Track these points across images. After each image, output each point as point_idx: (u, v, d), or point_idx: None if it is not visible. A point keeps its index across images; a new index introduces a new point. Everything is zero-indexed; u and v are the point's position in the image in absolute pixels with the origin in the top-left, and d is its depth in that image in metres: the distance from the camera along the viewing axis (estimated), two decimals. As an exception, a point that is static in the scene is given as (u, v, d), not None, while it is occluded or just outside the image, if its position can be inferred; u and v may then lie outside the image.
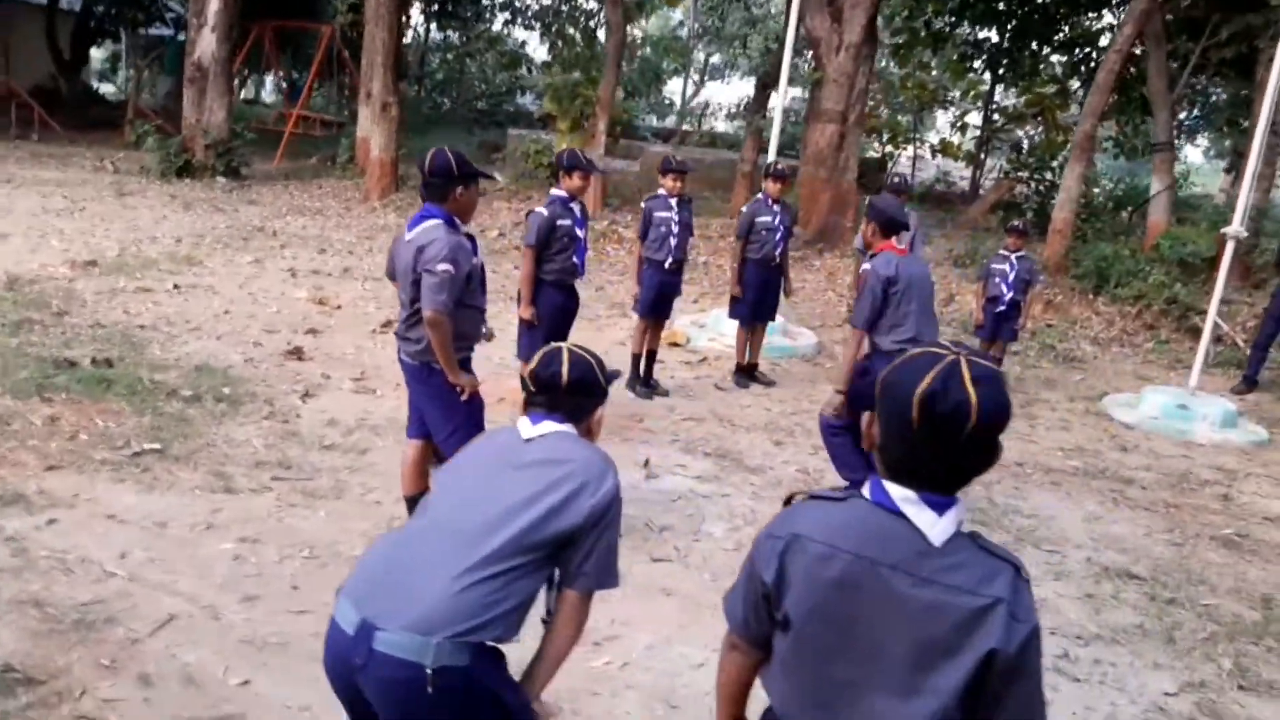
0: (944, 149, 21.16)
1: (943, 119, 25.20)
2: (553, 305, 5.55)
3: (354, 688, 1.92)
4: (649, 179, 16.47)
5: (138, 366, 6.01)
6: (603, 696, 3.24)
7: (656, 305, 6.65)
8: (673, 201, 6.51)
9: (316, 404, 5.80)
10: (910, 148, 22.57)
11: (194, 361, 6.26)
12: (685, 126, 26.74)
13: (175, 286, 8.27)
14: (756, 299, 7.04)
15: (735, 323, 7.28)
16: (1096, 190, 16.17)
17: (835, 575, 1.52)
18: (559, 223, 5.42)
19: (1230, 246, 7.36)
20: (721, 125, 30.55)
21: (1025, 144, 19.95)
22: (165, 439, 4.94)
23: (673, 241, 6.51)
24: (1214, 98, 21.86)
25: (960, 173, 23.64)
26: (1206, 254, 11.23)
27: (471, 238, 3.92)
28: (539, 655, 2.09)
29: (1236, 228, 7.42)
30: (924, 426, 1.46)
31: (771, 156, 8.26)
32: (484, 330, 4.62)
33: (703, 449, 5.76)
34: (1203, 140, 25.68)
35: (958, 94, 21.70)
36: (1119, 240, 12.69)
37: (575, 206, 5.54)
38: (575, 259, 5.56)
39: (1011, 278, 7.48)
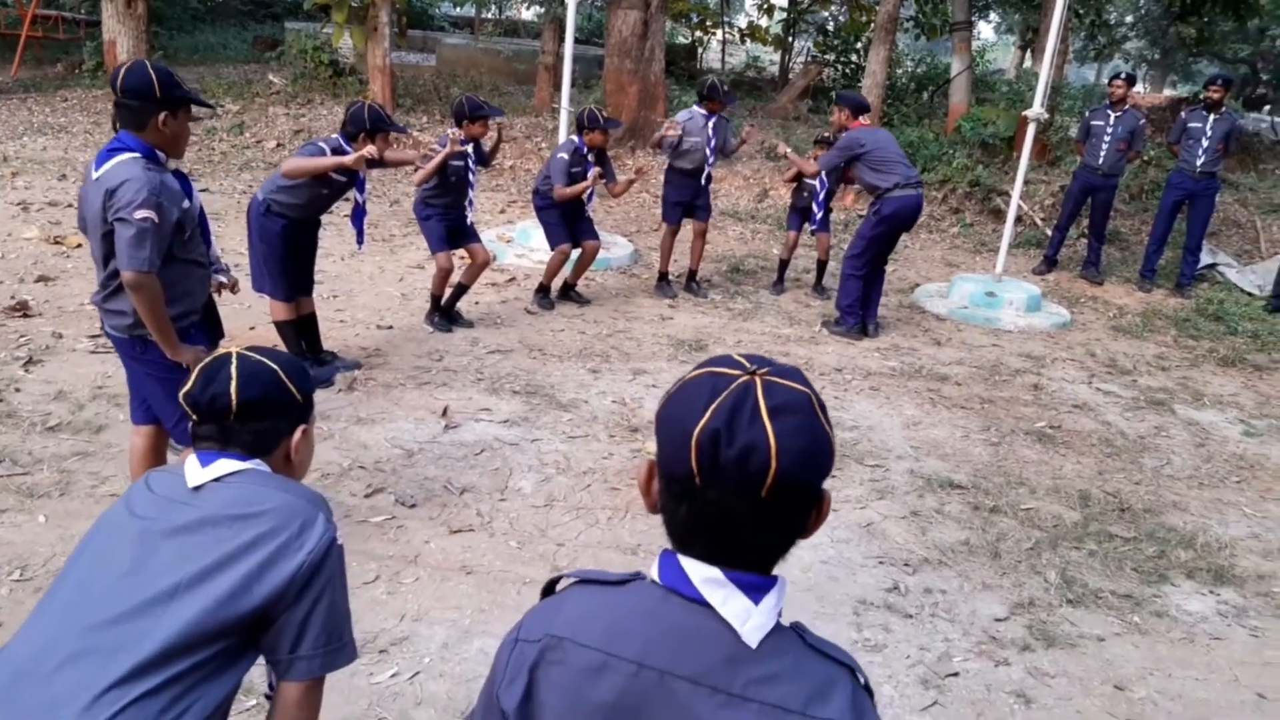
0: (752, 33, 20.75)
1: (750, 1, 24.69)
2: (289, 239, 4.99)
3: None
4: (448, 76, 15.27)
5: None
6: (388, 722, 2.75)
7: (450, 239, 5.94)
8: (470, 146, 5.78)
9: (43, 373, 4.86)
10: (720, 32, 22.02)
11: (-119, 331, 5.14)
12: (485, 14, 25.05)
13: None
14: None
15: (544, 236, 6.70)
16: (900, 71, 16.23)
17: (610, 696, 1.03)
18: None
19: (1031, 129, 7.32)
20: (527, 14, 28.86)
21: (831, 25, 19.80)
22: None
23: (469, 191, 5.86)
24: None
25: (770, 57, 23.36)
26: (1005, 134, 11.40)
27: (183, 175, 3.14)
28: None
29: (1038, 110, 7.37)
30: (709, 480, 0.99)
31: (569, 47, 7.56)
32: (225, 280, 3.87)
33: (510, 387, 5.24)
34: (994, 15, 26.36)
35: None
36: (924, 124, 12.74)
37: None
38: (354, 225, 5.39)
39: (821, 196, 7.25)
